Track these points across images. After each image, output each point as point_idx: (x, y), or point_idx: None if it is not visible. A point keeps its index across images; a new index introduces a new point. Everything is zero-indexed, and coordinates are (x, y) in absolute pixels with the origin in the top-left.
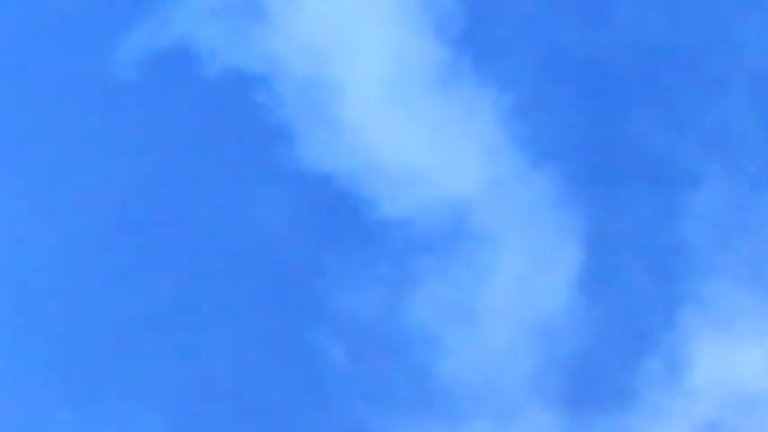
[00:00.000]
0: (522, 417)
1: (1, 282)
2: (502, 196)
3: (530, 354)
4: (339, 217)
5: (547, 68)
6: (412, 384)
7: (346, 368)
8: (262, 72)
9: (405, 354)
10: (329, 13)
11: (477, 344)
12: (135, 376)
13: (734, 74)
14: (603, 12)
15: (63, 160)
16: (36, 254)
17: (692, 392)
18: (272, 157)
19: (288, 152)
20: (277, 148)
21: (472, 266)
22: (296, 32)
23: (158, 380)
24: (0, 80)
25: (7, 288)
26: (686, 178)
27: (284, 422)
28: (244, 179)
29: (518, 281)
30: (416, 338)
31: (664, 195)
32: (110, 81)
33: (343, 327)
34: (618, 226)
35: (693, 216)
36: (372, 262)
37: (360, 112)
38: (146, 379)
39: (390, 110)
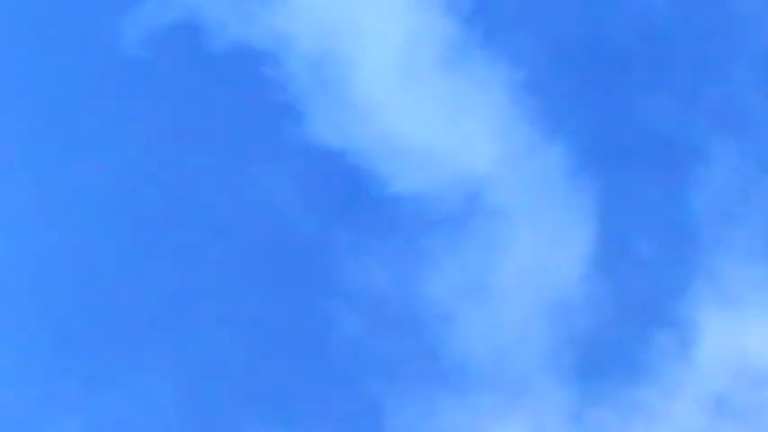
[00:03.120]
0: (535, 391)
1: (15, 255)
2: (514, 172)
3: (542, 328)
4: (350, 193)
5: (557, 44)
6: (424, 359)
7: (359, 343)
8: (271, 47)
9: (417, 329)
10: None
11: (489, 319)
12: (145, 347)
13: (742, 51)
14: None
15: (72, 136)
16: (48, 228)
17: (702, 366)
18: (281, 133)
19: (298, 128)
20: (287, 123)
21: (485, 242)
22: (305, 8)
23: (169, 351)
24: (9, 57)
25: (20, 260)
26: (695, 154)
27: (296, 395)
28: (254, 154)
29: (530, 256)
30: (429, 314)
31: (673, 170)
32: (118, 57)
33: (355, 302)
34: (628, 201)
35: (703, 191)
36: (385, 238)
37: (370, 88)
38: (156, 350)
39: (401, 86)
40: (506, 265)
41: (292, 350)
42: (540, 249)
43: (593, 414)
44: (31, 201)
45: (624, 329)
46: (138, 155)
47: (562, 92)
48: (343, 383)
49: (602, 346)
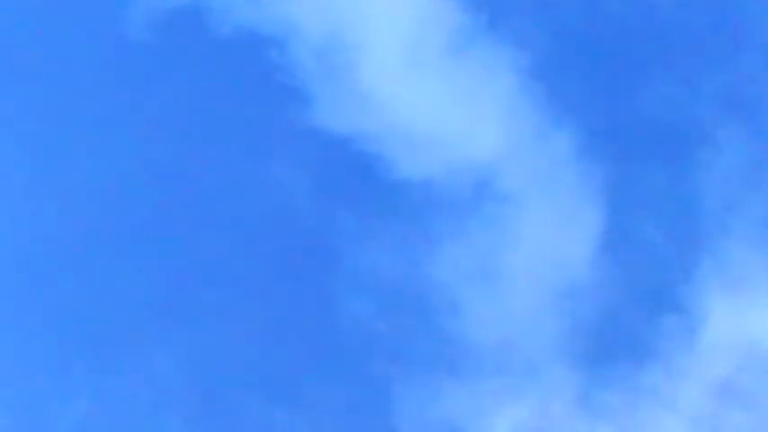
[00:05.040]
0: (542, 375)
1: (24, 238)
2: (521, 157)
3: (550, 313)
4: (358, 178)
5: (563, 29)
6: (432, 343)
7: (367, 327)
8: (276, 32)
9: (426, 313)
10: None
11: (497, 303)
12: (151, 329)
13: (749, 36)
14: None
15: (77, 121)
16: (56, 212)
17: (708, 351)
18: (288, 119)
19: (304, 113)
20: (293, 109)
21: (492, 227)
22: None
23: (176, 334)
24: (13, 42)
25: (30, 244)
26: (702, 139)
27: (304, 378)
28: (260, 140)
29: (538, 241)
30: (437, 299)
31: (680, 155)
32: (123, 41)
33: (363, 287)
34: (635, 186)
35: (710, 176)
36: (393, 223)
37: (377, 73)
38: (163, 332)
39: (408, 71)
40: (514, 250)
41: (300, 334)
42: (547, 234)
43: (600, 398)
44: (37, 187)
45: (631, 314)
46: (143, 140)
47: (569, 77)
48: (351, 367)
49: (610, 330)
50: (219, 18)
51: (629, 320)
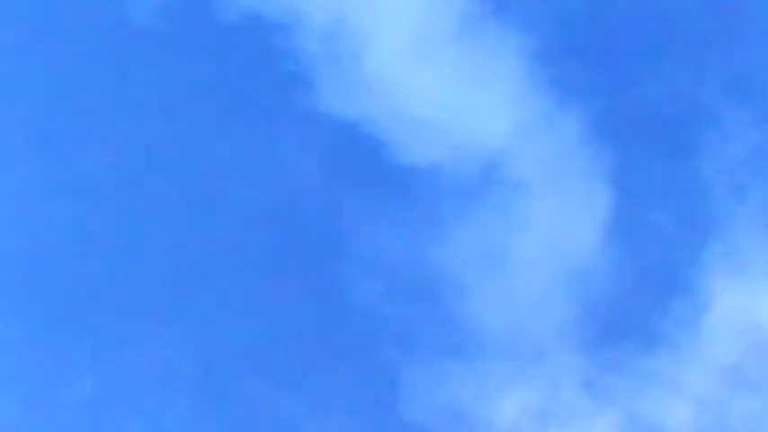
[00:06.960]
0: (550, 359)
1: (35, 220)
2: (529, 141)
3: (557, 297)
4: (364, 163)
5: (570, 12)
6: (440, 328)
7: (374, 312)
8: (282, 18)
9: (433, 298)
10: None
11: (505, 288)
12: (158, 309)
13: (755, 20)
14: None
15: (81, 107)
16: (63, 197)
17: (716, 335)
18: (292, 104)
19: (309, 99)
20: (298, 94)
21: (500, 211)
22: None
23: (182, 315)
24: (17, 25)
25: (40, 224)
26: (709, 122)
27: (310, 362)
28: (265, 125)
29: (545, 225)
30: (445, 284)
31: (687, 139)
32: (127, 27)
33: (371, 271)
34: (643, 170)
35: (717, 160)
36: (400, 207)
37: (383, 59)
38: (169, 312)
39: (414, 56)
40: (521, 235)
41: (306, 318)
42: (554, 219)
43: (606, 382)
44: (42, 172)
45: (638, 298)
46: (148, 126)
47: (576, 62)
48: (358, 352)
49: (617, 314)
50: (225, 4)
51: (635, 305)
